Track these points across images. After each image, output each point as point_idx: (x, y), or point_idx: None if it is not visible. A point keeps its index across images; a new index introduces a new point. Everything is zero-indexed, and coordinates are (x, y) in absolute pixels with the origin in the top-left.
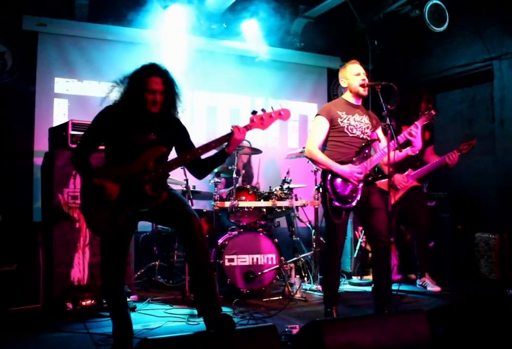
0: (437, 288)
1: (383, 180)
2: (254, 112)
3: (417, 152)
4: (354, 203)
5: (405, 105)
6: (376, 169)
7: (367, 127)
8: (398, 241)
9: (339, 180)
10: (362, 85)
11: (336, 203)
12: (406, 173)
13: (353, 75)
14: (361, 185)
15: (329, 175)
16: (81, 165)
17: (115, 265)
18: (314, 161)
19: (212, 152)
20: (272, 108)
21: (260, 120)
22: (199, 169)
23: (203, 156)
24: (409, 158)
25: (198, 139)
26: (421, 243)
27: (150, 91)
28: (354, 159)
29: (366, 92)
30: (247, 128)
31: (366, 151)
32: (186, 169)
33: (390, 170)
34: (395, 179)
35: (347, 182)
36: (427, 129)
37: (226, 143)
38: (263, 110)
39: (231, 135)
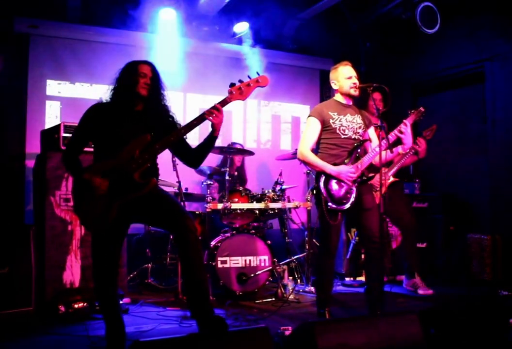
0: (429, 291)
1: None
2: (232, 85)
3: (408, 150)
4: (348, 205)
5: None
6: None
7: (359, 127)
8: (388, 242)
9: (333, 181)
10: (353, 88)
11: (331, 205)
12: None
13: (345, 78)
14: (355, 185)
15: (323, 177)
16: (71, 164)
17: (107, 266)
18: (307, 163)
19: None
20: (249, 77)
21: (238, 90)
22: (191, 157)
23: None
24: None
25: (191, 141)
26: (408, 243)
27: (142, 74)
28: (346, 160)
29: (358, 93)
30: (227, 100)
31: (358, 151)
32: (177, 168)
33: (380, 170)
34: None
35: (341, 183)
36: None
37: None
38: (240, 81)
39: (205, 118)
